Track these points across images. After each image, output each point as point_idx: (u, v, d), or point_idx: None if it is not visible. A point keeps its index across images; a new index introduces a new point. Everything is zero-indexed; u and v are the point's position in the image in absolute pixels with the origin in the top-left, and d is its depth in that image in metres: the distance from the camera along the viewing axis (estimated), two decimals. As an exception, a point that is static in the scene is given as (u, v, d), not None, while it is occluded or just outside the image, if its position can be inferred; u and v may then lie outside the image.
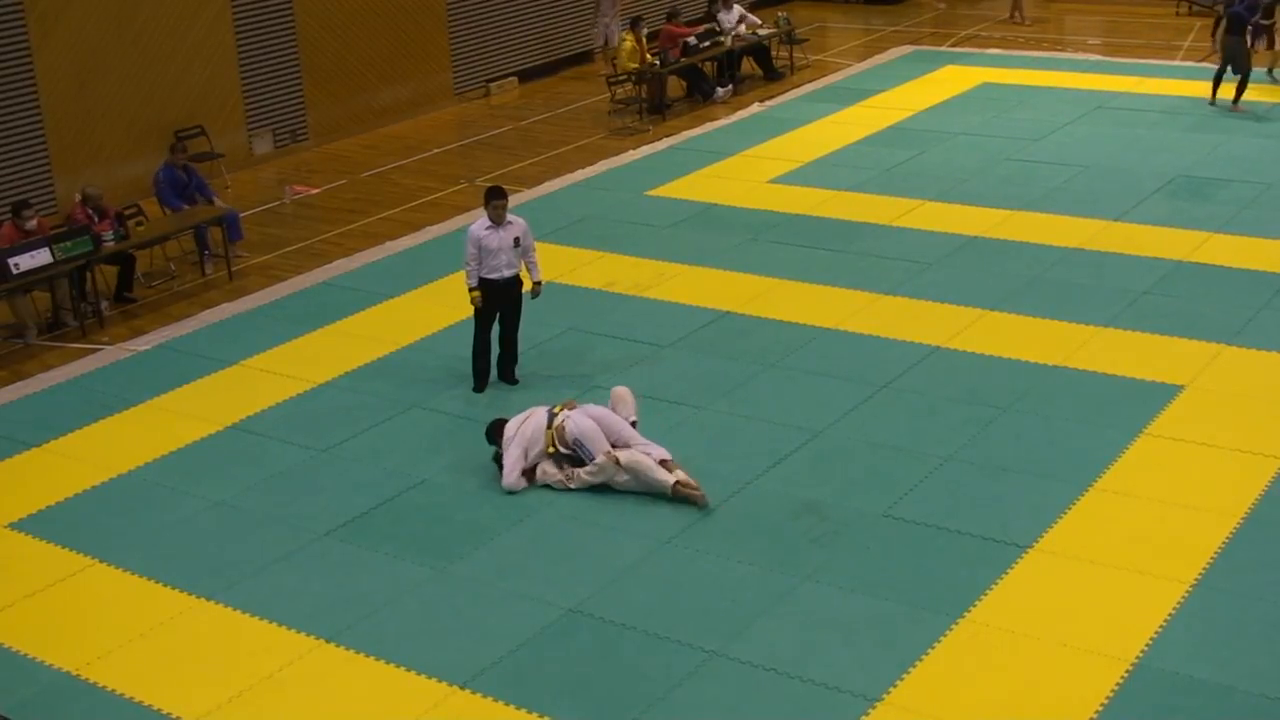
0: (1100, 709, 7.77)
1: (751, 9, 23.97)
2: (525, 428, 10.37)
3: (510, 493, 10.24)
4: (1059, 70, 21.75)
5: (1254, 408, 11.08)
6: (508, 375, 12.08)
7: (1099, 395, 11.36)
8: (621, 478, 10.10)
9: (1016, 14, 25.16)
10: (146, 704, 8.21)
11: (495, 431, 10.53)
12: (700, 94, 21.23)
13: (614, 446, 10.21)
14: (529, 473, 10.37)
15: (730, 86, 21.39)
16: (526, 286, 11.92)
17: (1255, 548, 9.22)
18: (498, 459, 10.53)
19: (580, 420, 10.32)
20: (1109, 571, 9.04)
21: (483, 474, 10.54)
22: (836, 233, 15.29)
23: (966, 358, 12.17)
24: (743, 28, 22.10)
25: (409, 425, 11.49)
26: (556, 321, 13.15)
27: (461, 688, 8.21)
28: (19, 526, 10.22)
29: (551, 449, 10.30)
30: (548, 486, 10.31)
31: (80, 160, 16.93)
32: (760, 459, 10.60)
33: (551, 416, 10.40)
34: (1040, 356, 12.06)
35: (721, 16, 22.05)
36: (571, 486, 10.23)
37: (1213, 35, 19.60)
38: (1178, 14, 25.35)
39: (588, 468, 10.20)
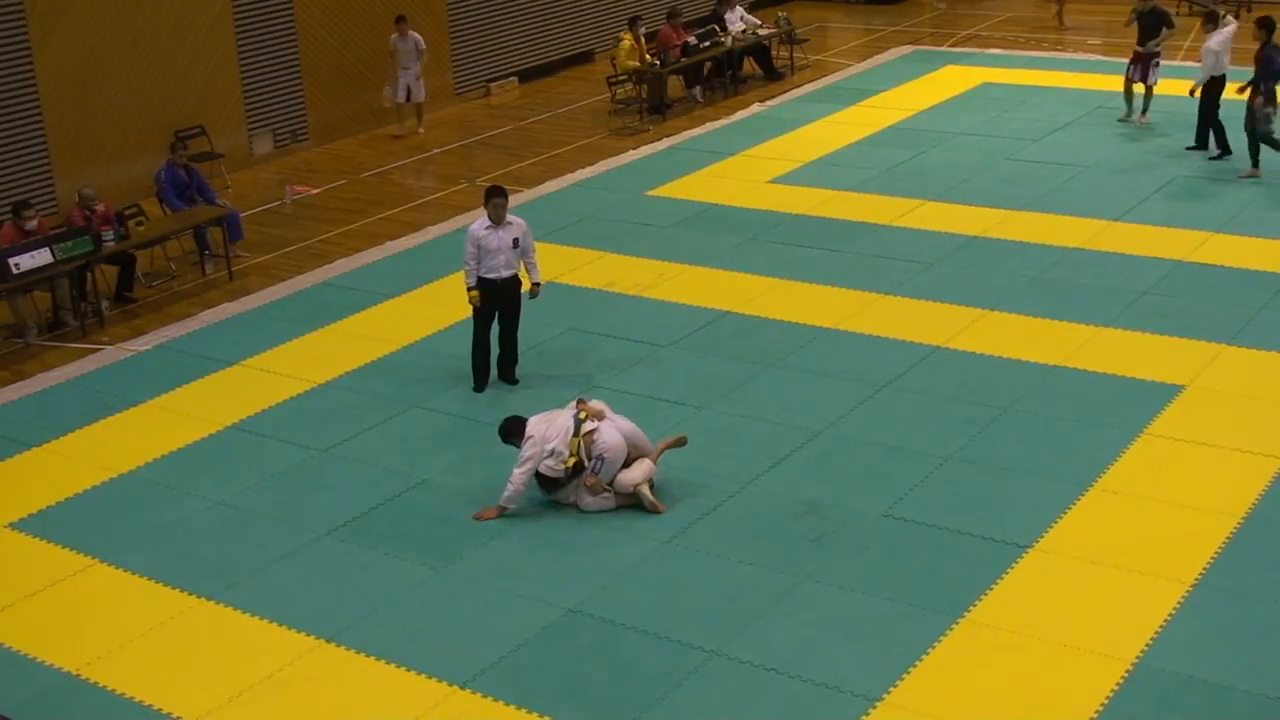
0: (1100, 709, 7.77)
1: (751, 9, 23.99)
2: (549, 433, 9.84)
3: (515, 485, 9.83)
4: (1059, 70, 21.76)
5: (1254, 408, 11.08)
6: (507, 375, 12.08)
7: (1099, 395, 11.36)
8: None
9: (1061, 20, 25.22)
10: (146, 704, 8.22)
11: (514, 429, 9.98)
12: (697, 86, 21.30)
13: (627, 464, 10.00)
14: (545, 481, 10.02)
15: (699, 88, 21.35)
16: (525, 287, 11.92)
17: (1255, 548, 9.22)
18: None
19: (610, 436, 9.86)
20: (1109, 571, 9.04)
21: (483, 474, 10.53)
22: (836, 233, 15.29)
23: (966, 358, 12.17)
24: (736, 26, 22.10)
25: (409, 425, 11.48)
26: (556, 321, 13.15)
27: (461, 688, 8.21)
28: (19, 526, 10.22)
29: (573, 459, 9.82)
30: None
31: (80, 160, 16.93)
32: (760, 459, 10.60)
33: (578, 423, 9.91)
34: (1040, 356, 12.06)
35: (728, 16, 22.06)
36: (581, 507, 10.04)
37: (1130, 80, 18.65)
38: (1178, 14, 25.36)
39: (587, 501, 9.95)
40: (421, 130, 20.09)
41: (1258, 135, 16.32)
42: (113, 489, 10.71)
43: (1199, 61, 17.26)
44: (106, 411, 11.97)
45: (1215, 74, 16.74)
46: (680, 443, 10.34)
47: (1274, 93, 16.14)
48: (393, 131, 20.11)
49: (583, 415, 9.97)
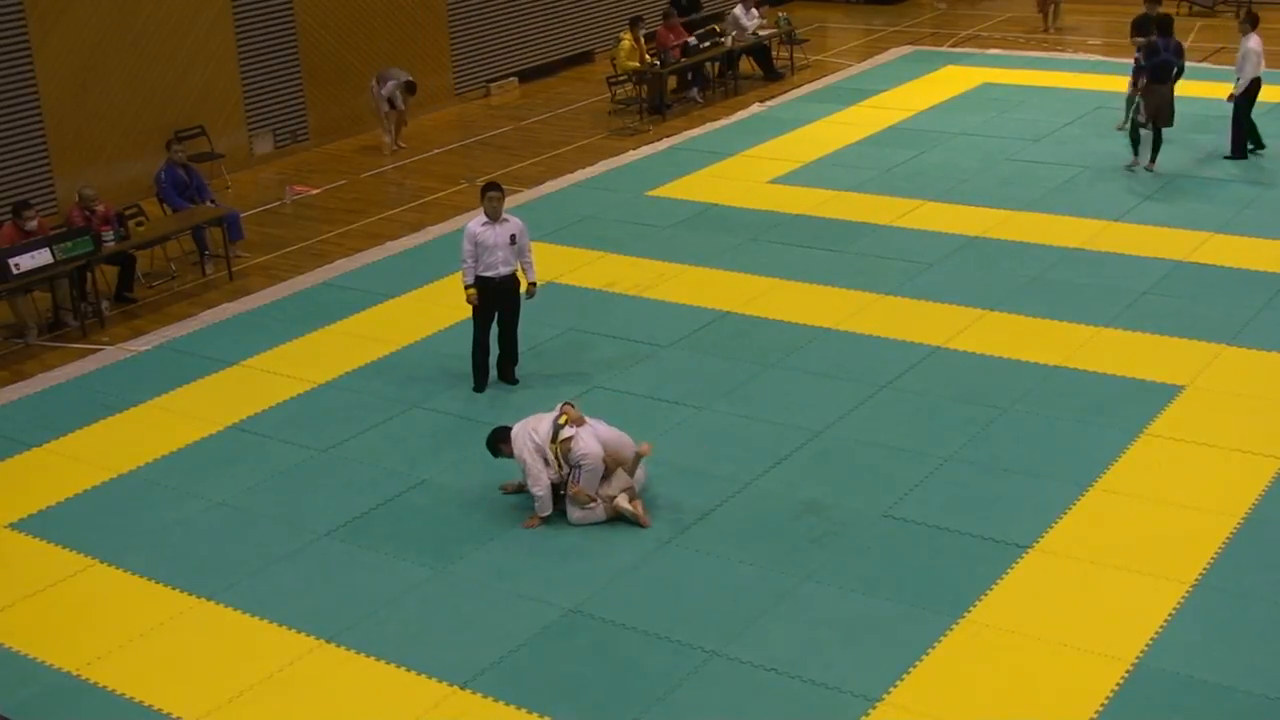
0: (1100, 709, 7.77)
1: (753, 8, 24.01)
2: (537, 438, 9.73)
3: (540, 496, 9.74)
4: (1059, 70, 21.77)
5: (1254, 408, 11.09)
6: (507, 375, 12.08)
7: (1099, 395, 11.36)
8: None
9: (1051, 21, 25.26)
10: (146, 704, 8.22)
11: (500, 437, 9.98)
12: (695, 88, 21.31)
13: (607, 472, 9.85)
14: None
15: (696, 89, 21.36)
16: (523, 287, 11.92)
17: (1255, 548, 9.22)
18: (505, 489, 10.29)
19: (587, 444, 9.69)
20: (1109, 571, 9.04)
21: (483, 474, 10.53)
22: (836, 233, 15.30)
23: (966, 358, 12.17)
24: (752, 24, 22.12)
25: (409, 425, 11.48)
26: (556, 321, 13.15)
27: (461, 688, 8.21)
28: (19, 526, 10.23)
29: (555, 466, 9.70)
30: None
31: (80, 160, 16.93)
32: (760, 459, 10.60)
33: (557, 428, 9.78)
34: (1040, 356, 12.06)
35: (737, 12, 22.07)
36: (570, 520, 9.90)
37: (1133, 85, 17.61)
38: (1178, 14, 25.36)
39: (579, 514, 9.79)
40: (403, 145, 19.51)
41: (1135, 124, 16.68)
42: (113, 489, 10.71)
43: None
44: (106, 411, 11.97)
45: (1256, 75, 16.69)
46: (642, 452, 10.02)
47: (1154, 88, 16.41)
48: (383, 141, 19.64)
49: (562, 420, 9.81)
